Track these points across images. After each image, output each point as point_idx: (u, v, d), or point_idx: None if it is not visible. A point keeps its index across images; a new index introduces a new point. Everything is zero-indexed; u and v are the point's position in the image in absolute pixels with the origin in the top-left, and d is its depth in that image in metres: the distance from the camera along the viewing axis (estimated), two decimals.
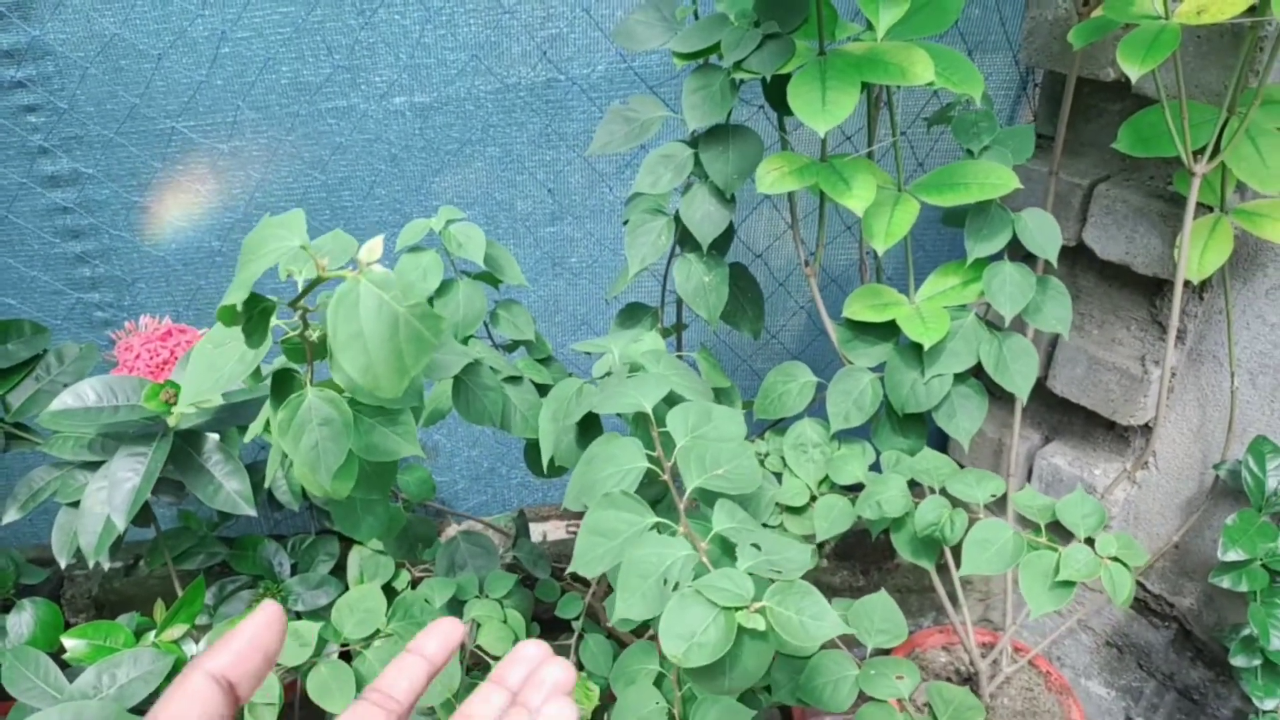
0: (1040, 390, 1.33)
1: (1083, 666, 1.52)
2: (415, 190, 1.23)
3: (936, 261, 1.05)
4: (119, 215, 1.17)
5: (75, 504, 0.99)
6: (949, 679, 1.37)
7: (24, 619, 1.14)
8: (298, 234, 0.51)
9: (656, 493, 0.71)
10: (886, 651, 1.03)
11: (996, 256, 0.97)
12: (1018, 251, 0.99)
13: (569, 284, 1.32)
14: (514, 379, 0.92)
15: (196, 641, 1.05)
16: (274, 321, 0.61)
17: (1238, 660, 1.12)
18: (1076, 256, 1.22)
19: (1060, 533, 0.91)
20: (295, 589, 1.25)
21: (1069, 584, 0.81)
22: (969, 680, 1.38)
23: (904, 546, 0.96)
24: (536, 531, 1.56)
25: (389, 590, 1.24)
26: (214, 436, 1.01)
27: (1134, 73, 0.79)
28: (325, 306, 0.64)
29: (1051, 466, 1.37)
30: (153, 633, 1.04)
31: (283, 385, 0.69)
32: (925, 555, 0.94)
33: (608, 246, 1.31)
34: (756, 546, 0.57)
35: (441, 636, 0.41)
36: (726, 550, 0.60)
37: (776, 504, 1.07)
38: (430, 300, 0.95)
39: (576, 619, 1.15)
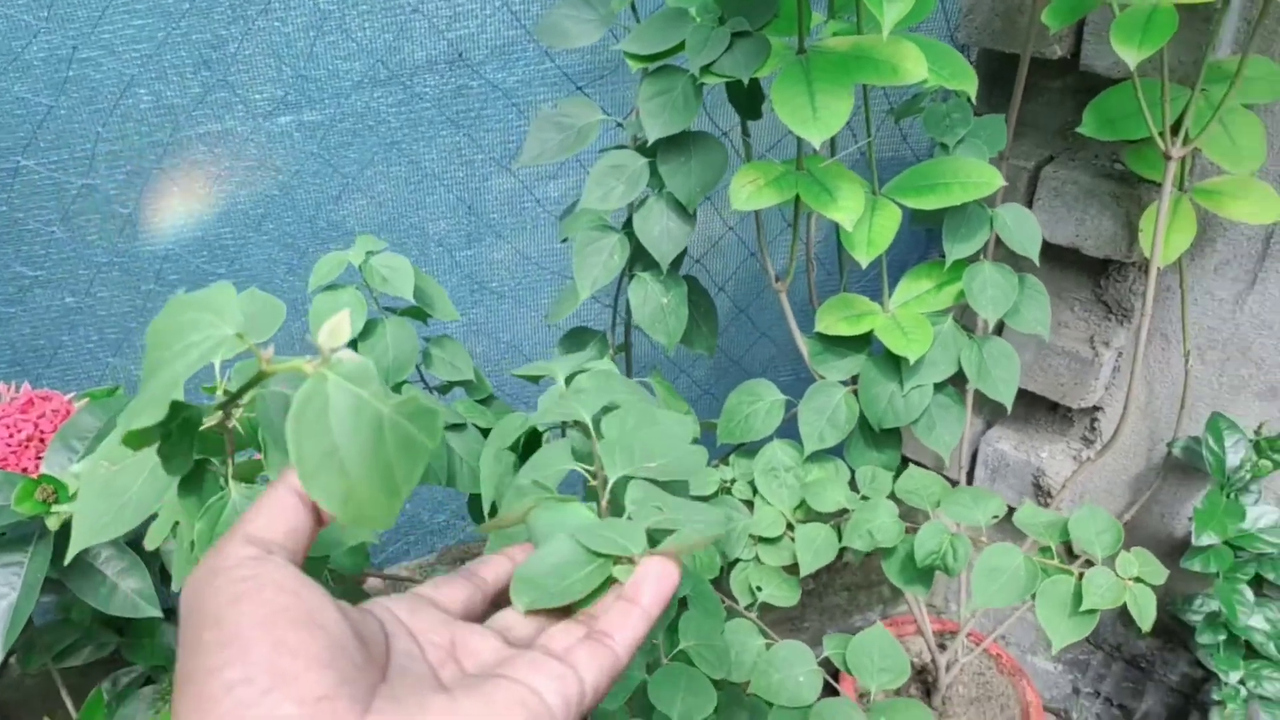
0: None
1: (1029, 644, 1.52)
2: (310, 220, 1.08)
3: (895, 261, 0.99)
4: None
5: None
6: None
7: None
8: (228, 317, 0.37)
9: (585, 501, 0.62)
10: (894, 692, 0.97)
11: (973, 257, 0.91)
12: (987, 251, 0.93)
13: (491, 309, 1.19)
14: (456, 426, 0.80)
15: None
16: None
17: (1203, 637, 1.12)
18: None
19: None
20: None
21: (1092, 612, 0.77)
22: (923, 671, 1.35)
23: (895, 574, 0.90)
24: None
25: None
26: None
27: (1132, 58, 0.73)
28: (260, 400, 0.51)
29: (997, 452, 1.34)
30: None
31: (196, 485, 0.55)
32: (919, 582, 0.89)
33: (534, 264, 1.19)
34: (658, 507, 0.49)
35: (528, 548, 0.45)
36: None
37: (750, 535, 0.99)
38: (354, 343, 0.81)
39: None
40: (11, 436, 0.85)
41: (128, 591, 0.87)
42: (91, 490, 0.51)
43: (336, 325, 0.33)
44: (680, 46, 0.75)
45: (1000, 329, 1.05)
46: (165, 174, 1.00)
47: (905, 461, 1.54)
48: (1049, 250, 1.15)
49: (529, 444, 0.75)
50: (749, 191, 0.77)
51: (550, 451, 0.60)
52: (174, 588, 0.74)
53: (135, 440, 0.43)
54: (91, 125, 0.95)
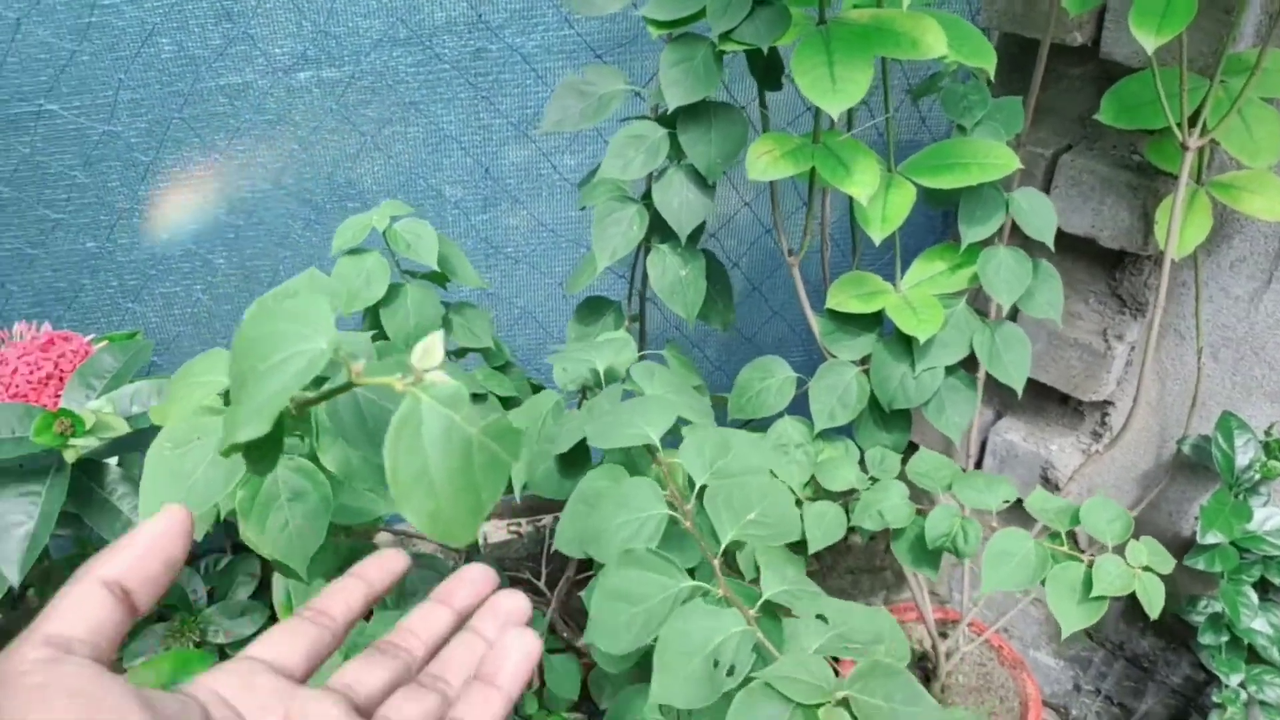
0: None
1: (1031, 638, 1.52)
2: (328, 178, 1.08)
3: (909, 243, 0.99)
4: None
5: None
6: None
7: None
8: (322, 330, 0.36)
9: (674, 543, 0.61)
10: None
11: (988, 240, 0.91)
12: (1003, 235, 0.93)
13: (506, 274, 1.20)
14: (476, 396, 0.80)
15: None
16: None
17: (1205, 638, 1.11)
18: None
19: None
20: (215, 619, 1.11)
21: (1101, 599, 0.76)
22: (924, 659, 1.35)
23: (904, 555, 0.90)
24: None
25: None
26: (117, 465, 0.86)
27: (1150, 43, 0.73)
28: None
29: (1006, 443, 1.34)
30: None
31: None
32: (928, 564, 0.89)
33: (549, 231, 1.20)
34: (823, 618, 0.49)
35: (384, 563, 0.41)
36: (776, 619, 0.52)
37: None
38: (376, 309, 0.82)
39: (540, 636, 1.06)
40: (32, 373, 0.86)
41: None
42: (157, 472, 0.51)
43: (429, 347, 0.34)
44: (701, 13, 0.75)
45: (1014, 315, 1.05)
46: (186, 124, 1.00)
47: (912, 446, 1.54)
48: (1064, 240, 1.14)
49: (579, 450, 0.74)
50: (765, 162, 0.77)
51: (634, 490, 0.59)
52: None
53: (232, 451, 0.44)
54: (113, 72, 0.96)
